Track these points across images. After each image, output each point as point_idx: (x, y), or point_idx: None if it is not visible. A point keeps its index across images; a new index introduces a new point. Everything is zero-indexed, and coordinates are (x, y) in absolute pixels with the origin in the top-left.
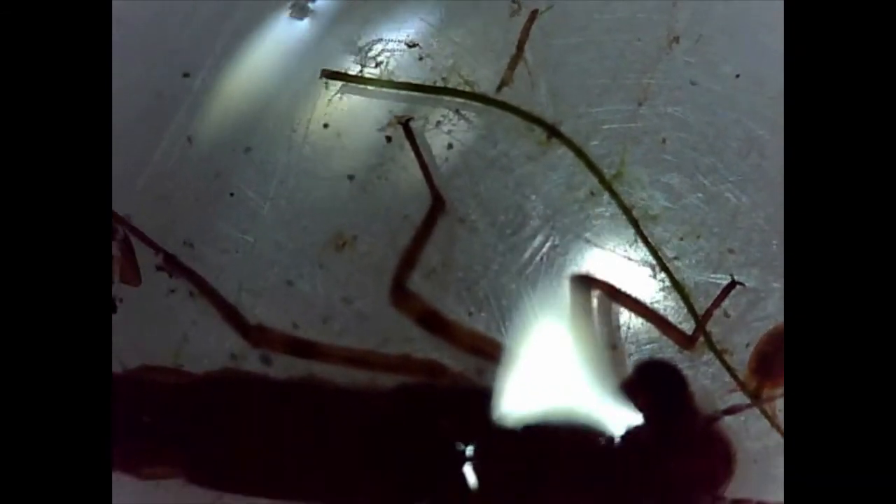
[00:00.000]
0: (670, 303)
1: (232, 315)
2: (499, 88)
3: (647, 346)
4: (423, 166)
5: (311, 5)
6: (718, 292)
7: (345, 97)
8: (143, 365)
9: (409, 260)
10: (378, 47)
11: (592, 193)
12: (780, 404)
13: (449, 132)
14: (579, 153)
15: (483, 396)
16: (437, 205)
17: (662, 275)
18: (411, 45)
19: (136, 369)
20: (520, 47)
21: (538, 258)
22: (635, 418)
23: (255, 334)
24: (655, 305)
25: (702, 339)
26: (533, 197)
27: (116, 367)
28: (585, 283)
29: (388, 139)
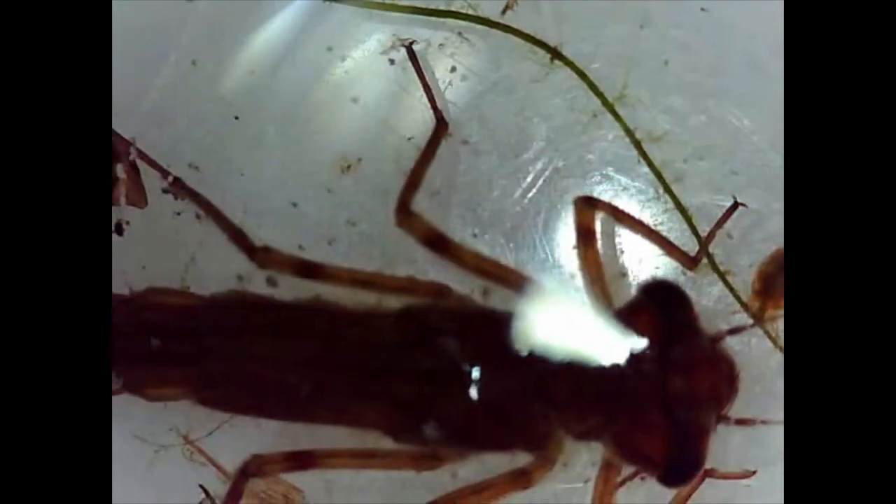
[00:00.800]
0: (673, 224)
1: (238, 237)
2: (503, 12)
3: (650, 268)
4: (427, 89)
5: None
6: (721, 214)
7: (348, 19)
8: (150, 287)
9: (413, 181)
10: None
11: (595, 116)
12: (782, 325)
13: (452, 55)
14: (582, 75)
15: (488, 318)
16: (441, 127)
17: (665, 197)
18: None
19: (142, 292)
20: None
21: (541, 180)
22: (639, 340)
23: (261, 255)
24: (658, 227)
25: (705, 260)
26: (535, 119)
27: (123, 290)
28: (589, 204)
29: (392, 62)
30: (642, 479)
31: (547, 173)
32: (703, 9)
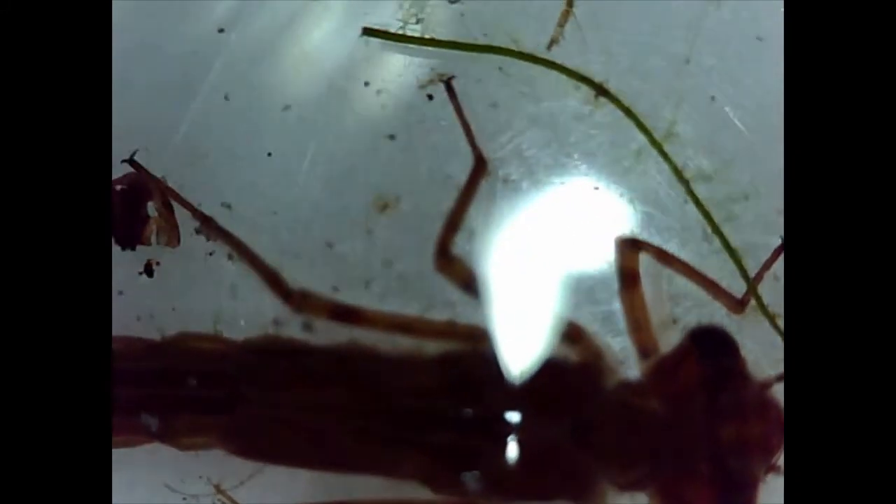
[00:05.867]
0: (717, 265)
1: (273, 279)
2: (549, 46)
3: (697, 313)
4: (466, 126)
5: None
6: (769, 255)
7: (385, 55)
8: (182, 332)
9: (452, 222)
10: (420, 3)
11: (639, 153)
12: None
13: (492, 90)
14: (628, 112)
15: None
16: (480, 165)
17: (711, 237)
18: (453, 1)
19: (174, 336)
20: (569, 3)
21: (583, 220)
22: (688, 386)
23: (298, 299)
24: (704, 268)
25: (753, 302)
26: (577, 156)
27: (154, 335)
28: (633, 246)
29: (430, 97)
30: None
31: (590, 212)
32: (759, 38)
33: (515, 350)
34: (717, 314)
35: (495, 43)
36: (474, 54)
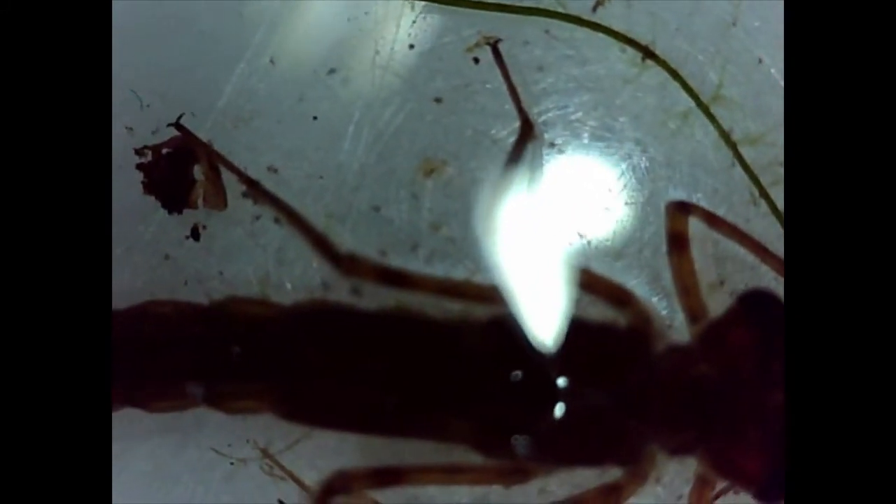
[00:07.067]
0: (764, 229)
1: (321, 243)
2: (594, 9)
3: (746, 277)
4: (512, 89)
5: None
6: None
7: (431, 17)
8: (229, 296)
9: (500, 184)
10: None
11: (686, 116)
12: None
13: (538, 54)
14: (675, 75)
15: (580, 328)
16: (527, 128)
17: (760, 201)
18: None
19: (222, 301)
20: None
21: (630, 183)
22: (737, 350)
23: (346, 263)
24: (751, 232)
25: None
26: (624, 119)
27: (202, 299)
28: (682, 209)
29: (476, 61)
30: (736, 493)
31: (635, 176)
32: None
33: (562, 314)
34: (765, 277)
35: (542, 5)
36: (521, 17)
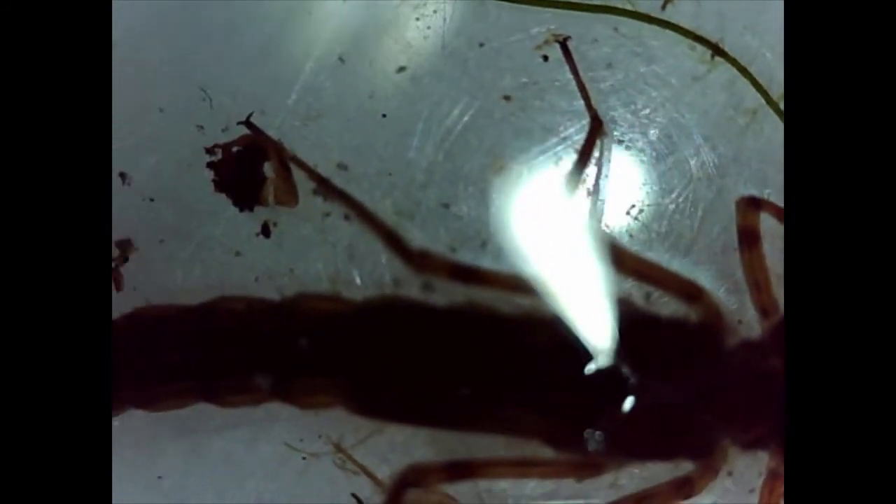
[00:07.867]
0: None
1: (393, 239)
2: (663, 6)
3: None
4: (581, 86)
5: None
6: None
7: (500, 14)
8: (301, 293)
9: (570, 182)
10: None
11: (755, 113)
12: None
13: (606, 51)
14: (744, 72)
15: (651, 323)
16: (596, 125)
17: None
18: None
19: (294, 297)
20: None
21: (698, 180)
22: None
23: (418, 259)
24: None
25: None
26: (691, 116)
27: (273, 294)
28: (753, 205)
29: (545, 58)
30: None
31: (703, 172)
32: None
33: (633, 310)
34: None
35: (611, 3)
36: (589, 15)
